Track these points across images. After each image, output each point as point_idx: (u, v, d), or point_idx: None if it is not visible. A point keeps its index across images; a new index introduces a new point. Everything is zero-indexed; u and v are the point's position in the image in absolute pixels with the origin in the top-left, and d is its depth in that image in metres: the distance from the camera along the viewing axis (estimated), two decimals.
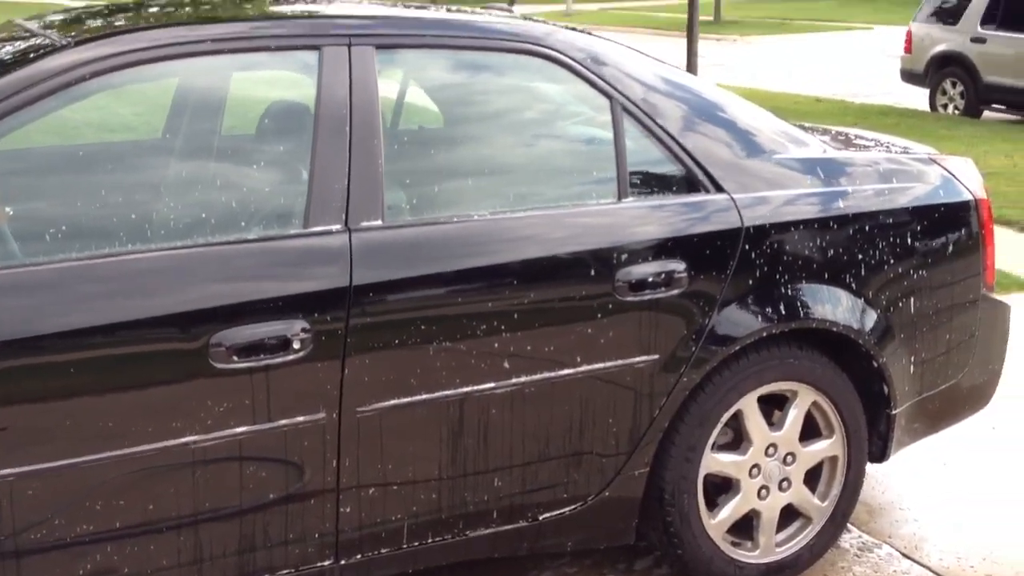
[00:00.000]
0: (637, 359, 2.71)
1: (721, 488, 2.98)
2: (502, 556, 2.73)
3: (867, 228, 3.01)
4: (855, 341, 2.99)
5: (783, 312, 2.87)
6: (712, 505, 2.96)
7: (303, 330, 2.31)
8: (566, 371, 2.63)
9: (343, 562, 2.47)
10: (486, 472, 2.59)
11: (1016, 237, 7.18)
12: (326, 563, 2.45)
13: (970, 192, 3.25)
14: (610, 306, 2.66)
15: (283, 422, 2.32)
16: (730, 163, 2.89)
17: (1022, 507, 3.54)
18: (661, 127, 2.83)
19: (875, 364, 3.04)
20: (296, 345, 2.29)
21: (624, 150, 2.78)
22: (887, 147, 3.39)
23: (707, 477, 2.93)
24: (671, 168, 2.85)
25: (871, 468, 3.62)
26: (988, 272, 3.29)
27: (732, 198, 2.85)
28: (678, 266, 2.74)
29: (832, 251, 2.96)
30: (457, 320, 2.49)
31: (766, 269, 2.85)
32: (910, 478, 3.75)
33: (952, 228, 3.18)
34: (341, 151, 2.45)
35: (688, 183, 2.85)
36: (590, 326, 2.64)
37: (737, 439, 2.98)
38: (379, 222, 2.46)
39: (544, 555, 2.98)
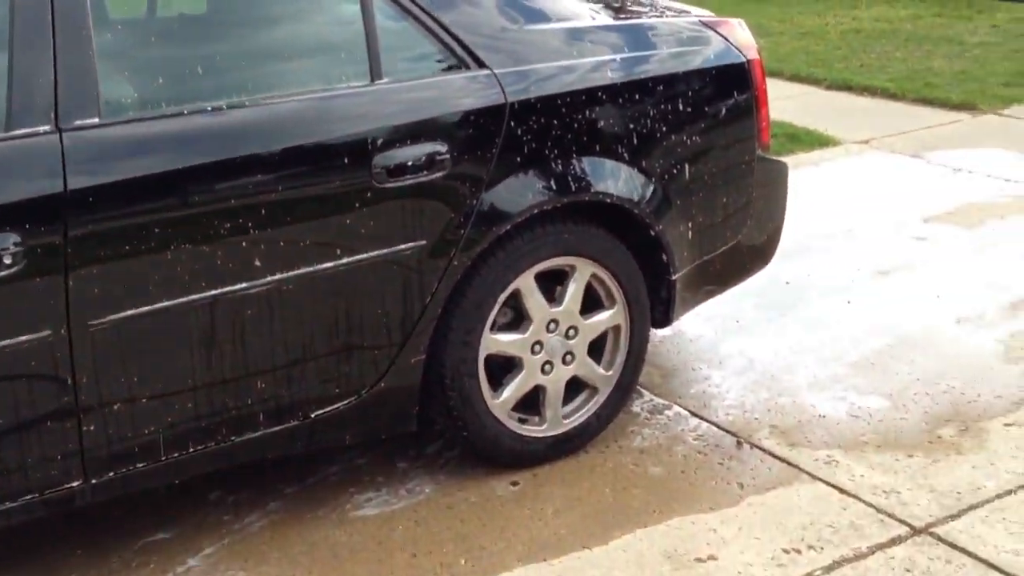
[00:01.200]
0: (402, 247, 2.61)
1: (506, 367, 2.97)
2: (278, 457, 2.66)
3: (638, 97, 2.94)
4: (631, 212, 2.96)
5: (554, 188, 2.80)
6: (497, 384, 2.95)
7: (15, 244, 2.12)
8: (326, 264, 2.50)
9: (94, 481, 2.35)
10: (246, 376, 2.48)
11: (823, 95, 7.31)
12: (74, 484, 2.33)
13: (743, 54, 3.21)
14: (369, 194, 2.54)
15: (3, 343, 2.15)
16: (491, 37, 2.75)
17: (806, 357, 3.66)
18: (415, 2, 2.67)
19: (652, 233, 3.03)
20: (7, 260, 2.11)
21: (375, 29, 2.61)
22: (661, 12, 3.30)
23: (490, 358, 2.90)
24: (428, 45, 2.69)
25: (668, 332, 3.69)
26: (763, 133, 3.28)
27: (494, 73, 2.73)
28: (439, 148, 2.63)
29: (603, 122, 2.88)
30: (196, 221, 2.32)
31: (534, 145, 2.76)
32: (704, 339, 3.82)
33: (725, 92, 3.14)
34: (44, 41, 2.21)
35: (448, 60, 2.71)
36: (348, 216, 2.51)
37: (518, 318, 2.94)
38: (95, 120, 2.25)
39: (332, 450, 2.93)
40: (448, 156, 2.63)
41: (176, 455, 2.44)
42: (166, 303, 2.31)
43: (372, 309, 2.61)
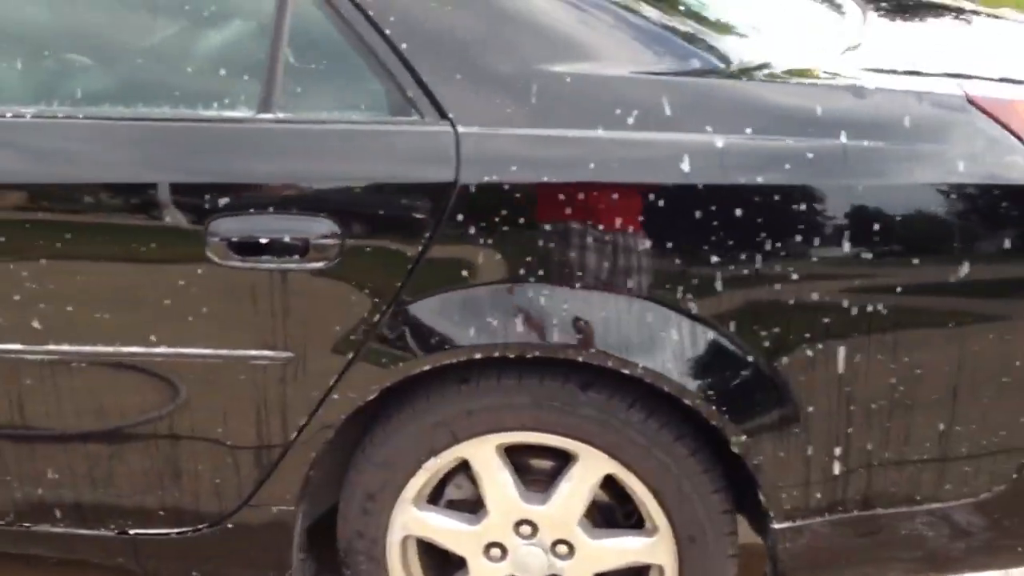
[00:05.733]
0: (254, 352, 1.78)
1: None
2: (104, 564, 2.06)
3: (737, 211, 1.65)
4: (682, 401, 1.73)
5: (519, 328, 1.71)
6: None
7: None
8: (134, 349, 1.81)
9: None
10: (32, 461, 1.92)
11: None
12: None
13: None
14: (200, 272, 1.75)
15: None
16: (472, 75, 1.71)
17: None
18: (360, 7, 1.74)
19: (732, 445, 1.75)
20: None
21: (282, 38, 1.76)
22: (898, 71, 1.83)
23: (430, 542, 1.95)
24: (368, 74, 1.75)
25: None
26: None
27: (456, 133, 1.70)
28: (321, 227, 1.72)
29: (651, 242, 1.68)
30: None
31: (498, 256, 1.70)
32: None
33: (976, 228, 1.67)
34: None
35: (391, 100, 1.75)
36: (169, 295, 1.76)
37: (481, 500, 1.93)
38: None
39: None
40: (336, 241, 1.72)
41: None
42: None
43: (207, 421, 1.85)
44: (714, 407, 1.72)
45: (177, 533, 1.96)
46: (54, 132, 1.80)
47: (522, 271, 1.70)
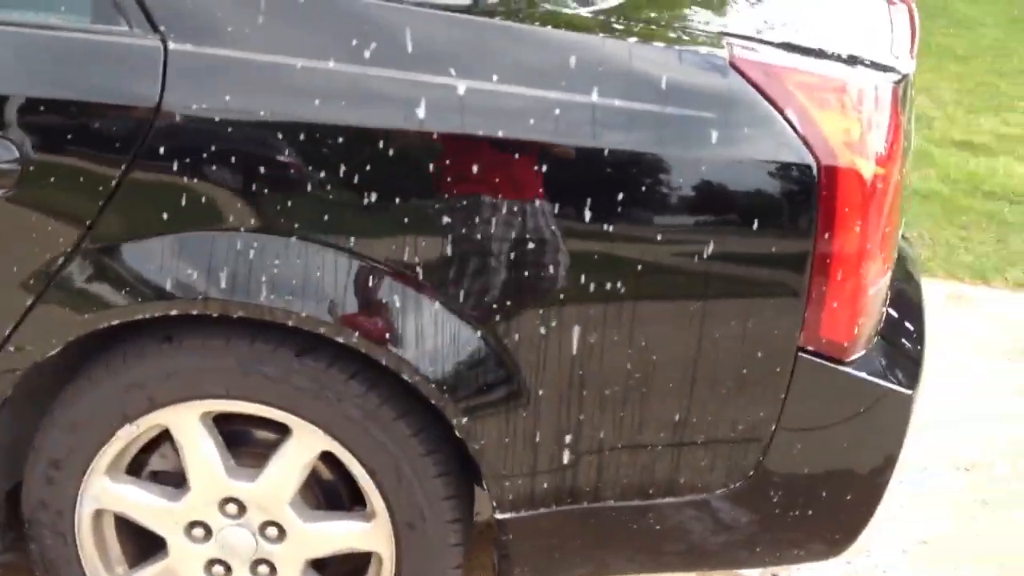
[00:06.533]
0: None
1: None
2: None
3: (473, 167, 1.50)
4: (398, 374, 1.58)
5: (223, 284, 1.52)
6: (139, 560, 1.80)
7: None
8: None
9: None
10: None
11: None
12: None
13: (812, 150, 1.53)
14: None
15: None
16: None
17: None
18: None
19: (455, 428, 1.61)
20: None
21: None
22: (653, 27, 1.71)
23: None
24: None
25: None
26: (827, 318, 1.60)
27: (165, 49, 1.51)
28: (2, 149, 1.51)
29: (376, 195, 1.51)
30: None
31: (204, 198, 1.51)
32: None
33: (733, 215, 1.54)
34: None
35: (96, 3, 1.53)
36: None
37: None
38: None
39: None
40: (17, 167, 1.51)
41: None
42: None
43: None
44: (434, 385, 1.57)
45: None
46: None
47: (231, 218, 1.52)
